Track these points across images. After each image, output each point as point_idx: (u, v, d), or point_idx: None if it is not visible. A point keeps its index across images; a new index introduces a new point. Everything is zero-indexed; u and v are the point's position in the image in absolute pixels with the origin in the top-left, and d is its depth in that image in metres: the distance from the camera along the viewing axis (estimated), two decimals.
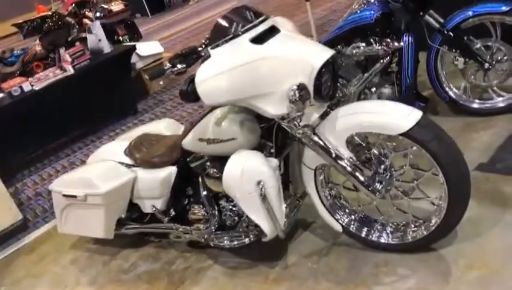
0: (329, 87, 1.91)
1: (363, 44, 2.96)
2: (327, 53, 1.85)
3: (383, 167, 1.97)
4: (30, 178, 4.37)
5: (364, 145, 1.99)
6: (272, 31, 1.93)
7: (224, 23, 1.88)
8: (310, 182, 2.11)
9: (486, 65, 2.74)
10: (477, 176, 2.42)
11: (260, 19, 1.91)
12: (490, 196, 2.26)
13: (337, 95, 3.09)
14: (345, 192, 2.20)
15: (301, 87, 1.77)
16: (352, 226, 2.15)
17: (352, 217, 2.16)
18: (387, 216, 2.14)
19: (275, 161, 2.04)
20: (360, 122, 1.86)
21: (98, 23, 4.95)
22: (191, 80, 1.79)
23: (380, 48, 2.88)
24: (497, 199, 2.23)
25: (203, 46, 1.94)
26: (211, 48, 1.83)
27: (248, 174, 1.95)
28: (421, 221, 2.04)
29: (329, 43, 3.07)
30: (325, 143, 1.90)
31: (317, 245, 2.32)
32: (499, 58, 2.76)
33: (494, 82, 2.82)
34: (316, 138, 1.90)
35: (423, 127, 1.80)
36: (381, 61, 2.91)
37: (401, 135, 1.81)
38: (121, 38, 8.68)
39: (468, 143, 2.71)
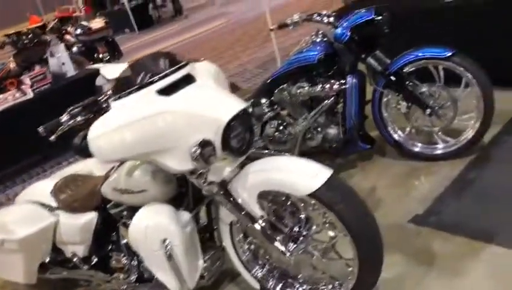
0: (242, 141, 1.83)
1: (308, 84, 2.89)
2: (237, 107, 1.77)
3: (298, 225, 1.89)
4: None
5: (280, 201, 1.91)
6: (188, 80, 1.86)
7: (130, 72, 1.81)
8: (225, 236, 2.02)
9: (428, 111, 2.67)
10: (410, 229, 2.35)
11: (174, 68, 1.84)
12: (418, 252, 2.18)
13: (282, 137, 3.04)
14: (263, 247, 2.11)
15: (203, 144, 1.68)
16: (270, 283, 2.05)
17: (270, 274, 2.07)
18: (306, 275, 2.05)
19: (186, 215, 1.95)
20: (268, 181, 1.78)
21: (62, 46, 4.88)
22: (86, 135, 1.71)
23: (323, 89, 2.81)
24: (424, 256, 2.15)
25: (107, 96, 1.86)
26: (113, 100, 1.75)
27: (153, 231, 1.86)
28: (338, 282, 1.95)
29: (276, 81, 3.02)
30: (234, 200, 1.82)
31: None
32: (442, 103, 2.69)
33: (437, 128, 2.75)
34: (224, 195, 1.81)
35: (331, 188, 1.71)
36: (325, 102, 2.85)
37: (308, 195, 1.73)
38: (101, 56, 8.68)
39: (408, 191, 2.64)
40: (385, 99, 2.82)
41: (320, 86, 2.82)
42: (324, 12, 2.92)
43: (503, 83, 3.15)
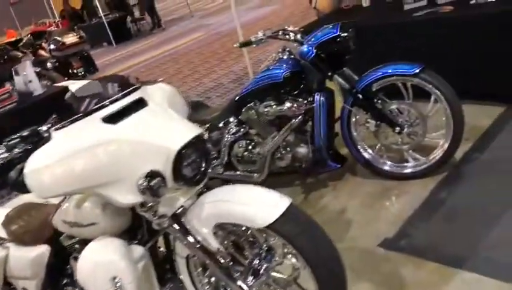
0: (196, 170, 1.73)
1: (275, 103, 2.81)
2: (189, 134, 1.67)
3: (258, 257, 1.78)
4: None
5: (240, 231, 1.80)
6: (139, 104, 1.75)
7: (74, 98, 1.69)
8: (183, 269, 1.90)
9: (397, 129, 2.60)
10: (379, 255, 2.26)
11: (123, 93, 1.73)
12: (387, 280, 2.09)
13: (251, 157, 2.94)
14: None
15: (152, 175, 1.57)
16: None
17: None
18: None
19: (139, 250, 1.83)
20: (224, 213, 1.67)
21: (28, 63, 4.73)
22: (23, 168, 1.58)
23: (289, 108, 2.73)
24: (393, 284, 2.06)
25: (49, 125, 1.74)
26: (55, 130, 1.63)
27: (102, 268, 1.73)
28: None
29: (243, 99, 2.92)
30: (188, 233, 1.70)
31: None
32: (411, 121, 2.62)
33: (406, 146, 2.68)
34: (176, 228, 1.70)
35: (290, 219, 1.61)
36: (293, 121, 2.76)
37: (266, 227, 1.62)
38: (75, 71, 8.52)
39: (378, 213, 2.55)
40: (353, 119, 2.73)
41: (288, 104, 2.73)
42: (291, 28, 2.85)
43: (474, 96, 3.12)
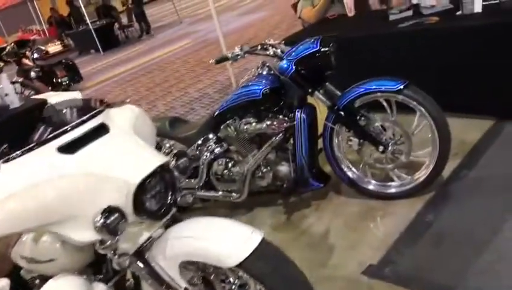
0: (162, 201, 1.60)
1: (254, 120, 2.69)
2: (152, 164, 1.54)
3: None
4: None
5: (210, 267, 1.67)
6: (100, 131, 1.63)
7: (25, 126, 1.56)
8: None
9: (381, 148, 2.48)
10: (362, 283, 2.14)
11: (81, 119, 1.60)
12: None
13: (231, 176, 2.81)
14: None
15: (108, 211, 1.44)
16: None
17: None
18: None
19: (101, 287, 1.69)
20: (189, 250, 1.54)
21: (3, 75, 4.53)
22: None
23: (268, 126, 2.61)
24: None
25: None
26: (3, 162, 1.49)
27: None
28: None
29: (223, 115, 2.80)
30: (152, 272, 1.57)
31: None
32: (396, 139, 2.51)
33: (390, 165, 2.56)
34: (140, 266, 1.57)
35: (261, 256, 1.48)
36: (273, 138, 2.64)
37: (236, 266, 1.50)
38: (60, 80, 8.36)
39: (363, 236, 2.43)
40: (336, 136, 2.61)
41: (267, 122, 2.61)
42: (271, 42, 2.72)
43: (461, 109, 3.02)
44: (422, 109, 2.38)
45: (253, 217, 2.92)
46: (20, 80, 7.75)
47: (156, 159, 1.58)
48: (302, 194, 2.86)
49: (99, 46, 12.42)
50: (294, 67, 2.50)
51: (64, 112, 1.69)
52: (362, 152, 2.58)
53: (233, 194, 2.85)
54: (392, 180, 2.62)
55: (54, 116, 1.64)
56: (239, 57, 2.55)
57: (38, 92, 7.41)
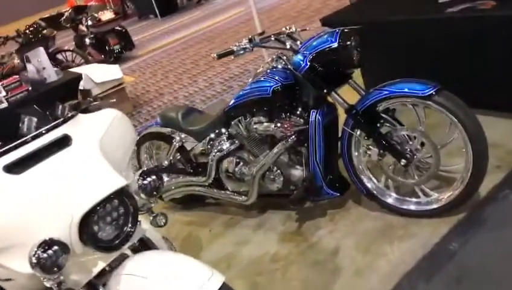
0: (117, 230, 1.44)
1: (265, 119, 2.43)
2: (105, 190, 1.37)
3: None
4: None
5: None
6: (61, 143, 1.48)
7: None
8: None
9: (403, 162, 2.15)
10: None
11: (38, 131, 1.45)
12: None
13: (240, 176, 2.59)
14: None
15: (47, 244, 1.29)
16: None
17: None
18: None
19: None
20: None
21: (41, 49, 4.54)
22: None
23: (278, 127, 2.34)
24: None
25: None
26: None
27: None
28: None
29: (232, 111, 2.56)
30: None
31: None
32: (422, 151, 2.16)
33: (413, 181, 2.22)
34: None
35: None
36: (284, 142, 2.38)
37: None
38: (112, 48, 8.40)
39: (373, 261, 2.14)
40: (354, 145, 2.30)
41: (278, 123, 2.35)
42: (288, 30, 2.40)
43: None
44: (454, 119, 2.02)
45: (264, 220, 2.70)
46: (72, 48, 7.86)
47: (112, 184, 1.42)
48: (315, 202, 2.59)
49: (157, 11, 12.37)
50: (308, 63, 2.19)
51: (22, 122, 1.55)
52: (383, 163, 2.26)
53: (242, 197, 2.64)
54: (417, 197, 2.28)
55: (4, 129, 1.50)
56: (246, 50, 2.27)
57: (87, 60, 7.51)
